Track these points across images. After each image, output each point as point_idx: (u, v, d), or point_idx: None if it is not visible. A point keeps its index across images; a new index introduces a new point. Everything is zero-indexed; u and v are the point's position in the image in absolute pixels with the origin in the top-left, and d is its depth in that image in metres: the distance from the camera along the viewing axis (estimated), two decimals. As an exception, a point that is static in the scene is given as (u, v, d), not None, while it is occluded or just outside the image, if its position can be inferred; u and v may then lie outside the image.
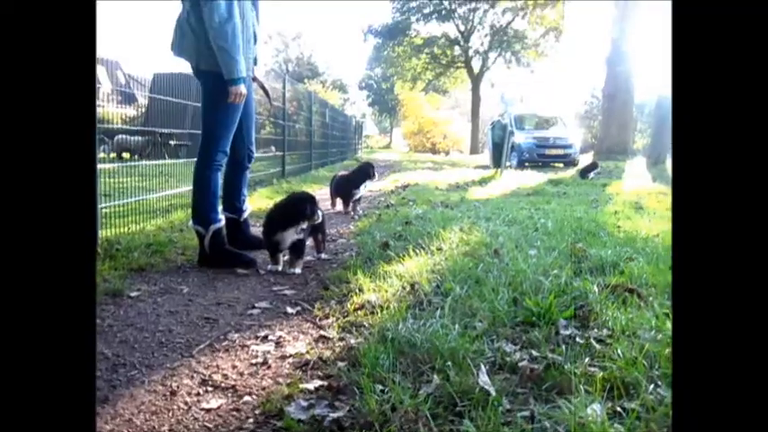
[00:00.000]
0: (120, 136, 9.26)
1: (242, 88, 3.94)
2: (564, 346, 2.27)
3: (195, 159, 4.16)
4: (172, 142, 9.61)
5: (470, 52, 46.96)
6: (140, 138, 9.51)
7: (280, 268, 4.05)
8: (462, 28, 46.32)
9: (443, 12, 45.54)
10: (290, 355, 2.51)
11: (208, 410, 2.03)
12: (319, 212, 3.96)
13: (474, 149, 44.56)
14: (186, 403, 2.09)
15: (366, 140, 52.48)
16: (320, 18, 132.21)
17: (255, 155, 4.76)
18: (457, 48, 47.57)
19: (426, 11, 45.74)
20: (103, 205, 4.64)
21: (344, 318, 2.90)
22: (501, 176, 12.88)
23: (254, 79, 4.56)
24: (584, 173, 13.42)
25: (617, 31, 22.61)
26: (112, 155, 9.67)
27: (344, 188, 7.47)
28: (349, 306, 3.05)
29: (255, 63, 4.39)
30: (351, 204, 7.37)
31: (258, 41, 4.34)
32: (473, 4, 44.67)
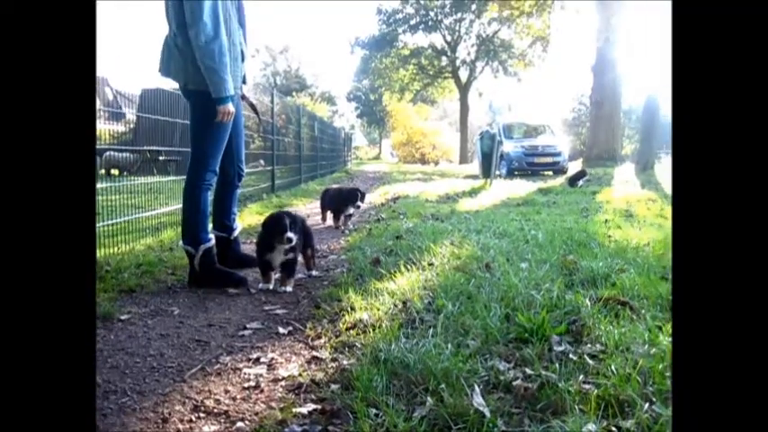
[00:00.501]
0: (108, 152, 9.21)
1: (230, 107, 3.93)
2: (557, 364, 2.26)
3: (184, 177, 4.15)
4: (161, 158, 9.59)
5: (457, 62, 47.16)
6: (130, 154, 9.47)
7: (271, 287, 4.03)
8: (449, 38, 46.51)
9: (430, 23, 45.75)
10: (283, 378, 2.49)
11: (200, 438, 2.01)
12: (291, 235, 3.89)
13: (463, 159, 44.66)
14: (179, 430, 2.07)
15: (355, 152, 52.50)
16: (307, 31, 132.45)
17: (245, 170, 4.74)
18: (444, 58, 47.75)
19: (413, 22, 45.94)
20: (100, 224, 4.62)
21: (337, 337, 2.89)
22: (491, 187, 12.90)
23: (243, 97, 4.56)
24: (572, 181, 13.45)
25: (602, 38, 22.73)
26: (101, 171, 9.61)
27: (336, 202, 7.43)
28: (341, 325, 3.03)
29: (244, 81, 4.39)
30: (342, 218, 7.34)
31: (246, 59, 4.34)
32: (459, 15, 44.89)
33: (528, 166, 20.61)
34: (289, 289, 4.01)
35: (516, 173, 19.97)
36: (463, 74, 47.65)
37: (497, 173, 15.88)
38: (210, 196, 4.27)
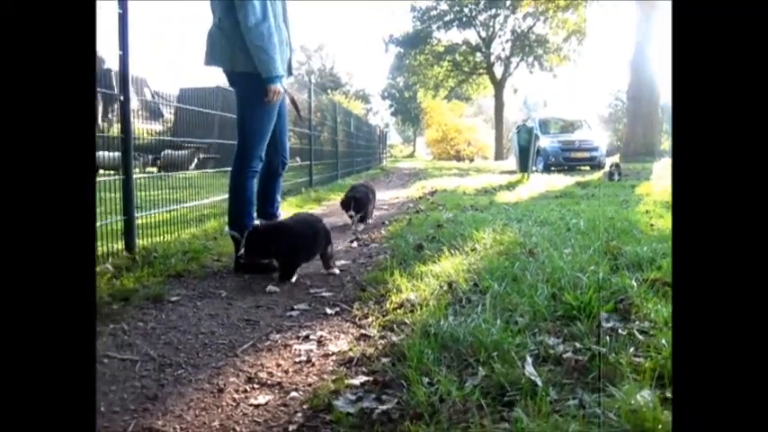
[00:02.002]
0: (166, 151, 9.40)
1: (279, 86, 4.00)
2: (607, 338, 2.26)
3: (222, 171, 4.21)
4: (201, 156, 9.74)
5: (492, 58, 46.91)
6: (185, 152, 9.65)
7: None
8: (483, 34, 46.31)
9: (464, 19, 45.60)
10: (333, 353, 2.53)
11: (256, 406, 2.06)
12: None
13: (498, 155, 44.46)
14: (234, 400, 2.12)
15: (390, 150, 52.52)
16: (341, 29, 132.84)
17: (284, 165, 4.80)
18: (479, 54, 47.55)
19: (447, 18, 45.83)
20: (139, 215, 4.70)
21: (384, 317, 2.92)
22: (528, 180, 12.83)
23: (285, 91, 4.62)
24: (611, 175, 13.32)
25: (640, 33, 22.46)
26: (151, 169, 9.79)
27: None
28: (388, 305, 3.07)
29: (290, 69, 4.42)
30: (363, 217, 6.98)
31: (293, 50, 4.39)
32: (493, 11, 44.67)
33: (564, 162, 20.43)
34: (336, 271, 4.09)
35: (553, 168, 19.83)
36: (498, 70, 47.40)
37: (533, 168, 15.78)
38: (256, 184, 4.32)
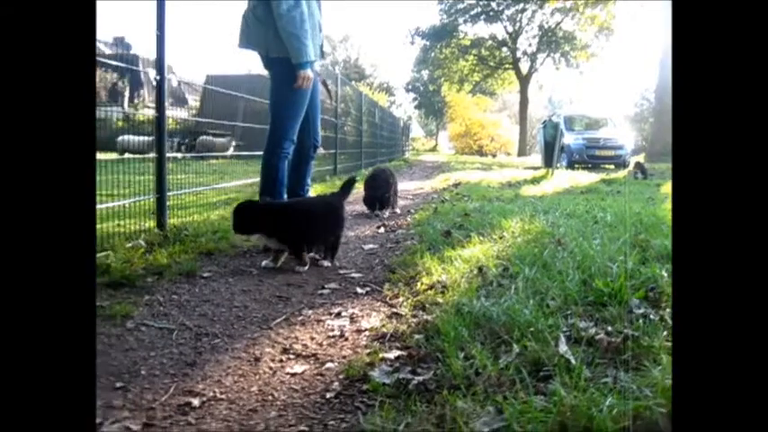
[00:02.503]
0: (203, 137, 9.55)
1: (309, 72, 4.06)
2: (640, 322, 2.28)
3: (250, 155, 4.26)
4: (235, 142, 9.86)
5: (518, 53, 46.64)
6: (223, 139, 9.78)
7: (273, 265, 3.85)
8: (510, 29, 46.04)
9: (491, 13, 45.33)
10: (366, 329, 2.57)
11: (293, 375, 2.10)
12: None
13: (522, 151, 44.23)
14: (271, 368, 2.16)
15: (412, 143, 52.44)
16: (367, 20, 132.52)
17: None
18: (505, 49, 47.27)
19: (473, 12, 45.56)
20: (170, 194, 4.76)
21: (415, 297, 2.96)
22: (553, 176, 12.78)
23: (317, 74, 4.66)
24: (634, 175, 13.24)
25: (670, 32, 22.26)
26: (175, 154, 9.92)
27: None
28: (418, 286, 3.10)
29: (322, 54, 4.47)
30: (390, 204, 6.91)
31: (323, 31, 4.43)
32: (521, 5, 44.36)
33: (589, 159, 20.29)
34: (326, 263, 3.96)
35: (576, 165, 19.72)
36: (524, 65, 47.13)
37: (557, 165, 15.71)
38: (287, 166, 4.37)
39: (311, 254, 3.97)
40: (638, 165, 13.98)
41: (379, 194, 6.65)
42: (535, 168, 17.63)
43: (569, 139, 20.09)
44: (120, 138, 6.03)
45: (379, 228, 5.62)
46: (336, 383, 2.02)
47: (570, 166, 19.50)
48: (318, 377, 2.08)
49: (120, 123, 6.15)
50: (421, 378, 1.93)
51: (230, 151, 9.38)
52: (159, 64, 4.44)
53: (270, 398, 1.92)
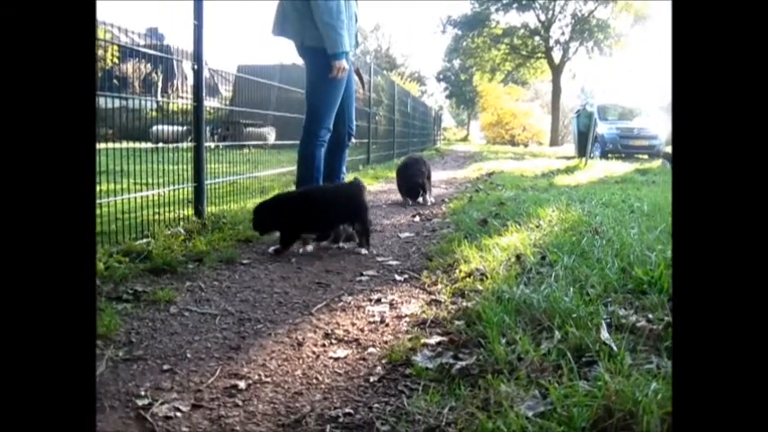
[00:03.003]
0: (251, 128, 9.69)
1: (344, 63, 4.08)
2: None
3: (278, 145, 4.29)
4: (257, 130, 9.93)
5: (551, 42, 46.15)
6: (266, 128, 9.89)
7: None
8: (543, 18, 45.57)
9: (523, 1, 44.85)
10: (406, 315, 2.59)
11: (336, 359, 2.13)
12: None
13: (554, 141, 43.81)
14: (314, 353, 2.19)
15: (443, 132, 52.27)
16: (398, 10, 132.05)
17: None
18: (537, 38, 46.81)
19: (506, 1, 45.15)
20: (208, 182, 4.81)
21: (453, 284, 2.97)
22: (586, 165, 12.69)
23: (351, 63, 4.68)
24: (665, 164, 13.10)
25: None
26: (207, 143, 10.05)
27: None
28: (457, 274, 3.12)
29: (357, 43, 4.49)
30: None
31: (359, 20, 4.45)
32: (554, -7, 43.93)
33: (622, 149, 20.06)
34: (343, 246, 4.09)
35: (610, 155, 19.52)
36: (556, 54, 46.60)
37: (591, 154, 15.57)
38: (323, 154, 4.40)
39: (339, 243, 4.04)
40: (666, 155, 13.84)
41: (413, 183, 6.61)
42: (568, 158, 17.51)
43: (603, 128, 19.88)
44: (153, 127, 6.11)
45: (414, 216, 5.64)
46: (379, 368, 2.04)
47: (604, 155, 19.30)
48: (361, 361, 2.11)
49: (153, 114, 6.23)
50: (463, 363, 1.95)
51: (272, 140, 9.45)
52: (197, 54, 4.49)
53: (314, 381, 1.95)
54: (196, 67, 4.51)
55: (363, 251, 3.92)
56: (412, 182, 6.62)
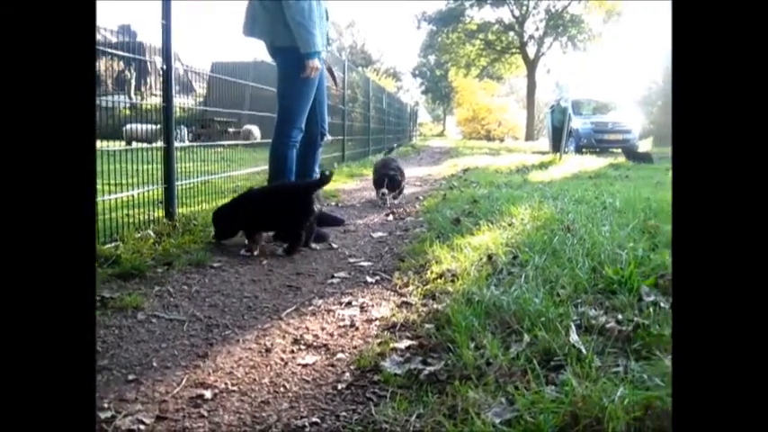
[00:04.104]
0: (246, 126, 9.62)
1: (317, 62, 4.06)
2: (650, 310, 2.27)
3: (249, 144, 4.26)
4: (231, 129, 9.85)
5: (525, 37, 46.34)
6: (251, 126, 9.86)
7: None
8: (517, 13, 45.71)
9: (498, -3, 45.06)
10: (376, 319, 2.58)
11: (304, 366, 2.11)
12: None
13: (529, 136, 44.01)
14: (282, 359, 2.17)
15: (419, 128, 52.34)
16: (373, 5, 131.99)
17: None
18: (511, 33, 46.97)
19: (480, -4, 45.31)
20: (179, 183, 4.75)
21: (424, 286, 2.96)
22: (561, 161, 12.75)
23: (323, 61, 4.66)
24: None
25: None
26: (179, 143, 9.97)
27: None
28: (428, 275, 3.11)
29: (329, 41, 4.48)
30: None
31: (330, 18, 4.42)
32: (528, -11, 44.10)
33: (597, 144, 20.21)
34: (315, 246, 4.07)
35: (585, 150, 19.65)
36: (531, 49, 46.79)
37: (565, 149, 15.65)
38: (295, 154, 4.37)
39: (310, 244, 4.02)
40: (627, 150, 14.07)
41: (390, 174, 6.50)
42: (543, 153, 17.59)
43: (577, 123, 20.00)
44: (126, 126, 6.02)
45: (387, 215, 5.62)
46: (348, 374, 2.02)
47: (578, 150, 19.43)
48: (330, 368, 2.09)
49: (126, 112, 6.15)
50: (432, 368, 1.94)
51: (258, 138, 9.40)
52: (166, 53, 4.43)
53: (282, 389, 1.93)
54: (165, 66, 4.45)
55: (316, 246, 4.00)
56: (381, 174, 6.57)
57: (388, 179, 6.39)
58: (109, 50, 4.43)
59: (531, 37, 46.49)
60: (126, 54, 4.83)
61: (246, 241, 3.87)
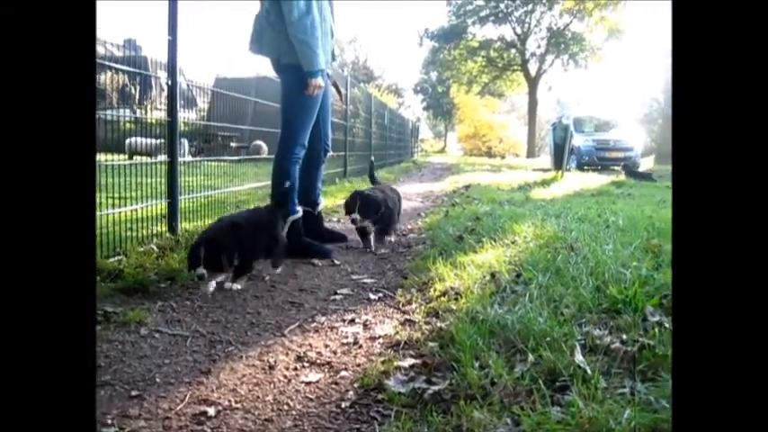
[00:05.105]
0: (256, 142, 9.67)
1: (320, 80, 4.06)
2: (655, 330, 2.26)
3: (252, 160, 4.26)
4: (233, 144, 9.87)
5: (527, 55, 46.53)
6: (258, 141, 9.92)
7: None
8: (519, 30, 45.95)
9: (500, 14, 45.26)
10: (380, 336, 2.57)
11: (308, 383, 2.10)
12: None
13: (531, 153, 44.12)
14: (286, 377, 2.16)
15: (421, 144, 52.40)
16: (375, 22, 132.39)
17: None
18: (513, 50, 47.18)
19: (483, 14, 45.50)
20: (181, 197, 4.76)
21: (428, 304, 2.95)
22: (563, 178, 12.75)
23: (328, 76, 4.67)
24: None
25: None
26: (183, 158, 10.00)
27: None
28: (432, 292, 3.10)
29: (333, 57, 4.49)
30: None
31: (334, 35, 4.44)
32: (530, 7, 44.29)
33: (599, 161, 20.24)
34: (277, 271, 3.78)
35: (586, 167, 19.68)
36: (532, 67, 46.99)
37: (567, 166, 15.66)
38: (298, 170, 4.37)
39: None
40: (625, 166, 14.10)
41: (365, 195, 4.56)
42: (545, 170, 17.59)
43: (579, 140, 20.06)
44: (128, 140, 6.03)
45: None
46: (351, 392, 2.02)
47: (580, 167, 19.47)
48: (333, 386, 2.08)
49: (129, 125, 6.16)
50: (436, 388, 1.93)
51: (265, 154, 9.43)
52: (171, 69, 4.45)
53: (285, 407, 1.92)
54: (170, 82, 4.47)
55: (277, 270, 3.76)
56: (362, 195, 4.55)
57: (360, 200, 4.45)
58: (114, 65, 4.46)
59: (533, 54, 46.72)
60: (130, 69, 4.87)
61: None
